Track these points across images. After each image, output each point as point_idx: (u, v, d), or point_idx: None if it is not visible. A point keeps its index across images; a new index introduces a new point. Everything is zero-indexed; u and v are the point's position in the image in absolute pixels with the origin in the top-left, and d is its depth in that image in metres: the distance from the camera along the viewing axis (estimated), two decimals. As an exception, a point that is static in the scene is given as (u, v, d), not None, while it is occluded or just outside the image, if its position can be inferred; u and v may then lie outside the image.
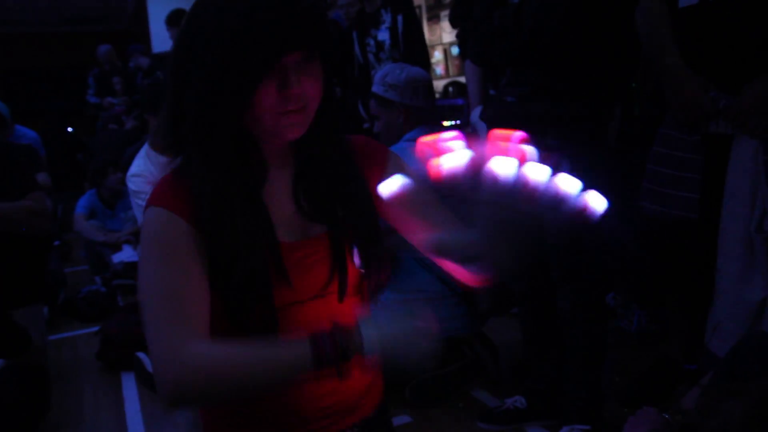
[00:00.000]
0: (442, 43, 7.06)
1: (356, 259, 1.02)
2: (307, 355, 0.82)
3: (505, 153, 0.64)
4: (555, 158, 0.65)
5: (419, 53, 3.59)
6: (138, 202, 2.59)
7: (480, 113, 2.13)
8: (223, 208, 0.92)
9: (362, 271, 1.03)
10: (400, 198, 0.69)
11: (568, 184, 0.64)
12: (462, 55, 2.77)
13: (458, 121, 3.81)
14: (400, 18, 3.63)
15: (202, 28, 0.89)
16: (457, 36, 2.08)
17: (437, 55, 7.14)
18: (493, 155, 0.64)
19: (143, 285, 0.90)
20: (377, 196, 0.92)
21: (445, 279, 2.24)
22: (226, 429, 1.07)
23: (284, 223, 0.98)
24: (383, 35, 3.65)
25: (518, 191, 0.64)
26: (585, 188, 0.65)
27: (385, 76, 2.29)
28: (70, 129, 7.36)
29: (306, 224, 1.00)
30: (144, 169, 2.60)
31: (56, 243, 4.89)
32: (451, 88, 5.84)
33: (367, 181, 1.03)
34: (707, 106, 1.74)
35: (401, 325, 0.86)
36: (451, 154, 0.65)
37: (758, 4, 1.67)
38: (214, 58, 0.87)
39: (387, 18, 3.65)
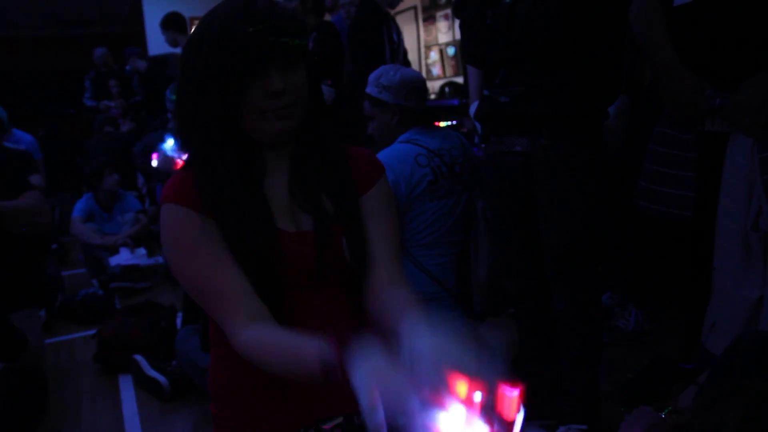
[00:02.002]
0: (438, 44, 7.05)
1: (346, 253, 1.08)
2: (317, 373, 0.86)
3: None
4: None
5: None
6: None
7: (474, 112, 2.12)
8: (225, 197, 1.02)
9: (351, 263, 1.09)
10: None
11: None
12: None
13: (454, 122, 3.81)
14: (399, 34, 3.67)
15: (193, 39, 1.02)
16: (460, 27, 2.05)
17: (433, 56, 7.13)
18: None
19: (186, 283, 1.04)
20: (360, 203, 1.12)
21: (440, 279, 2.23)
22: (229, 424, 1.15)
23: (282, 213, 1.07)
24: (396, 38, 3.64)
25: None
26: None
27: (379, 77, 2.28)
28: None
29: (300, 216, 1.08)
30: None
31: (53, 246, 4.88)
32: (447, 89, 5.84)
33: (355, 186, 1.13)
34: (703, 104, 1.74)
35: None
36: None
37: (753, 2, 1.67)
38: (203, 64, 0.99)
39: (394, 25, 3.65)
